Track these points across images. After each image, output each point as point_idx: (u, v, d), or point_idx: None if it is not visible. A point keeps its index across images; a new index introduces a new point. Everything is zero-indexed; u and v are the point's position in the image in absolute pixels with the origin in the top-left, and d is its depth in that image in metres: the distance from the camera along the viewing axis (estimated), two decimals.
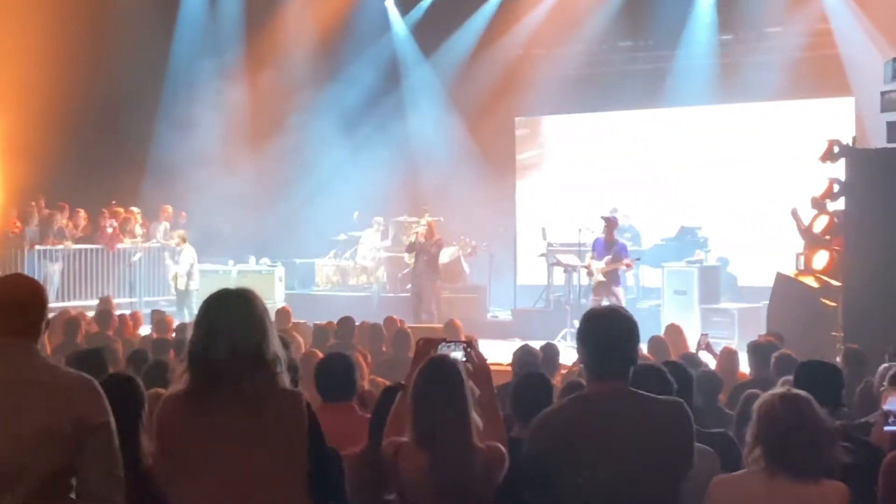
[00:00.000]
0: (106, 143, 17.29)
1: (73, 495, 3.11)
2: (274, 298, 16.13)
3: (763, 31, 16.76)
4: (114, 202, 17.35)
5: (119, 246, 16.81)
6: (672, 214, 16.41)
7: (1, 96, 15.01)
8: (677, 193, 17.24)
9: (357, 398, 4.92)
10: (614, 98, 17.54)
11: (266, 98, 18.04)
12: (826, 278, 10.92)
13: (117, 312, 11.50)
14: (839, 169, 10.52)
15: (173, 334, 9.77)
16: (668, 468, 3.35)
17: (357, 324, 9.59)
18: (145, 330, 11.37)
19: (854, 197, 9.83)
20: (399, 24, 19.30)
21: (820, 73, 15.90)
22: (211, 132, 17.31)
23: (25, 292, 3.23)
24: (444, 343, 3.81)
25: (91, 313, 11.53)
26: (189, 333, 3.32)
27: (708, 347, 8.63)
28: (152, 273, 17.22)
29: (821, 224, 11.32)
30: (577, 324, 3.69)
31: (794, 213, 11.97)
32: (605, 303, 12.06)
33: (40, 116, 14.81)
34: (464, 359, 3.72)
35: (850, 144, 10.65)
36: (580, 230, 14.34)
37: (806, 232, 11.64)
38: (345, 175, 17.89)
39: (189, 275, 15.63)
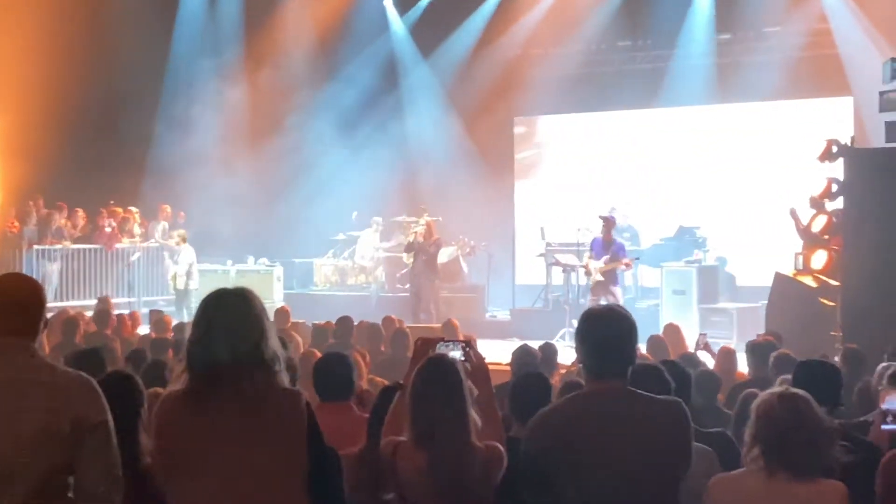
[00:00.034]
0: (105, 143, 17.27)
1: (70, 494, 3.11)
2: (272, 298, 16.11)
3: (762, 30, 16.75)
4: (112, 202, 17.34)
5: (117, 246, 16.81)
6: (670, 214, 16.39)
7: (0, 96, 15.01)
8: (676, 193, 17.22)
9: (355, 398, 4.92)
10: (613, 98, 17.51)
11: (265, 98, 18.03)
12: (825, 278, 10.92)
13: (116, 312, 11.50)
14: (838, 169, 10.50)
15: (172, 334, 9.75)
16: (666, 468, 3.35)
17: (355, 323, 9.59)
18: (144, 329, 11.37)
19: (853, 197, 9.81)
20: (398, 24, 19.29)
21: (819, 72, 15.88)
22: (210, 132, 17.29)
23: (24, 292, 3.23)
24: (442, 342, 3.80)
25: (89, 313, 11.52)
26: (187, 333, 3.32)
27: (706, 347, 8.61)
28: (151, 273, 17.22)
29: (819, 224, 11.32)
30: (575, 323, 3.68)
31: (793, 213, 11.98)
32: (603, 302, 12.05)
33: (39, 116, 14.81)
34: (462, 358, 3.71)
35: (849, 144, 10.66)
36: (578, 230, 14.36)
37: (804, 231, 11.64)
38: (343, 175, 17.87)
39: (188, 274, 15.66)
